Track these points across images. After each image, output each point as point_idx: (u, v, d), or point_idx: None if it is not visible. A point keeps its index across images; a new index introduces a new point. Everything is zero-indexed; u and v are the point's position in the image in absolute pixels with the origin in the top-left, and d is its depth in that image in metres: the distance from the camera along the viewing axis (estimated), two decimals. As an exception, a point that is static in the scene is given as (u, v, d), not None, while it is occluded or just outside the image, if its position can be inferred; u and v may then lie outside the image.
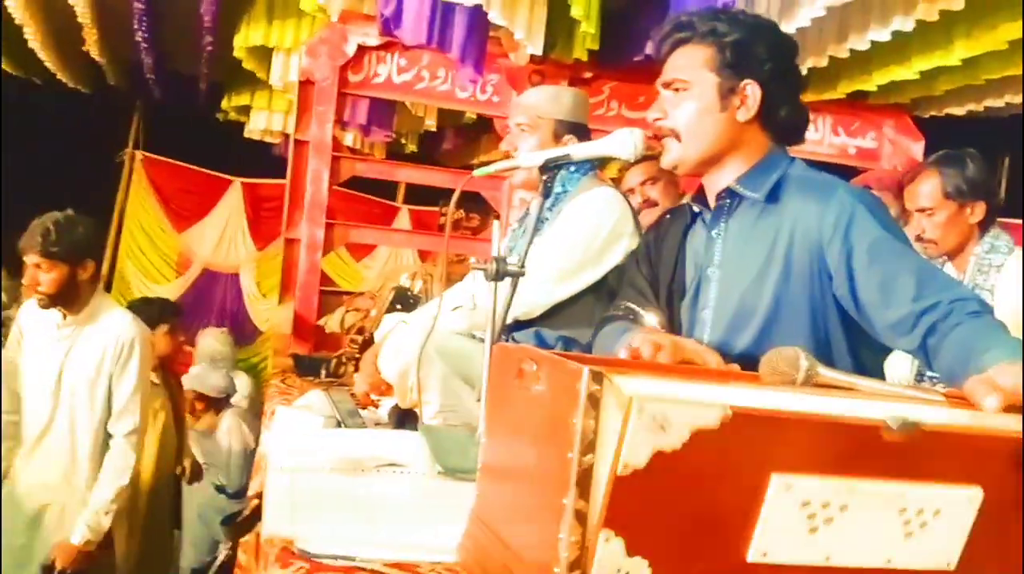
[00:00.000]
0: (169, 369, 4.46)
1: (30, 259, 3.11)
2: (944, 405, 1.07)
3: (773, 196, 1.63)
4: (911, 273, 1.47)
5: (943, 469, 0.97)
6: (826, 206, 1.57)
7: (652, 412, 0.89)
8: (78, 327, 3.21)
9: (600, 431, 0.94)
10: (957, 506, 0.97)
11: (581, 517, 0.94)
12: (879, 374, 1.74)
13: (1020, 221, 4.83)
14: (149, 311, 4.17)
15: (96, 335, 3.21)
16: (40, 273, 3.09)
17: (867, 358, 1.65)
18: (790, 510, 0.93)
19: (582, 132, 2.50)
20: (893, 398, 1.05)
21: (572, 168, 2.44)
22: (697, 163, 1.69)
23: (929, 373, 2.59)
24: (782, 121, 1.67)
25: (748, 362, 1.40)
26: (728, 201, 1.69)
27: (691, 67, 1.66)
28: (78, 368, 3.19)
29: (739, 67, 1.63)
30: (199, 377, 5.13)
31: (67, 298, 3.17)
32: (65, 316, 3.20)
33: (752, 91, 1.63)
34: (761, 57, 1.63)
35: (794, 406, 0.96)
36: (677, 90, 1.67)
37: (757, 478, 0.92)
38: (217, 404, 5.16)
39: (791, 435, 0.93)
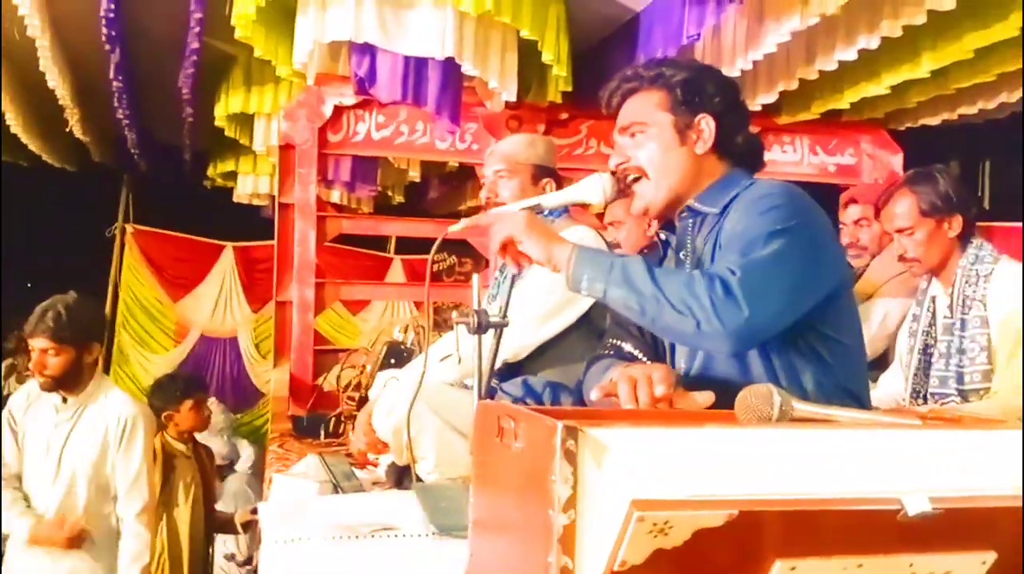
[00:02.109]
0: (198, 442, 4.47)
1: (38, 343, 3.09)
2: (922, 428, 1.06)
3: (725, 211, 1.67)
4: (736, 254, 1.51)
5: (955, 539, 0.95)
6: (741, 209, 1.62)
7: (654, 520, 0.86)
8: (79, 409, 3.19)
9: (579, 486, 0.94)
10: (967, 568, 0.96)
11: (567, 574, 0.93)
12: (865, 397, 1.73)
13: (1016, 225, 4.86)
14: (174, 387, 4.19)
15: (96, 415, 3.20)
16: (48, 357, 3.09)
17: (849, 380, 1.64)
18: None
19: (555, 176, 2.59)
20: (870, 426, 1.05)
21: (546, 212, 2.48)
22: (665, 203, 1.73)
23: (930, 390, 2.59)
24: (738, 149, 1.74)
25: (727, 386, 1.41)
26: (690, 221, 1.73)
27: (646, 111, 1.73)
28: (81, 450, 3.17)
29: (691, 104, 1.70)
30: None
31: (71, 381, 3.16)
32: (65, 399, 3.19)
33: (707, 124, 1.70)
34: (710, 92, 1.72)
35: (776, 447, 0.94)
36: (634, 134, 1.74)
37: (760, 565, 0.90)
38: (221, 471, 5.16)
39: (799, 525, 0.90)
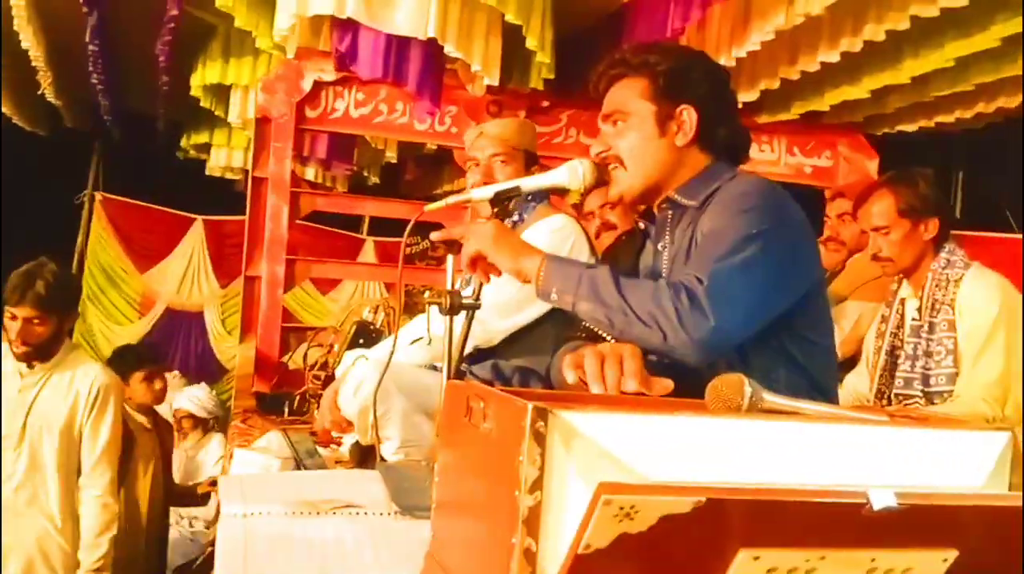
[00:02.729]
0: (158, 415, 4.42)
1: (23, 312, 3.00)
2: (889, 425, 1.06)
3: (705, 205, 1.65)
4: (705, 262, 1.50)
5: (917, 535, 0.94)
6: (718, 207, 1.61)
7: (621, 503, 0.84)
8: (45, 375, 3.12)
9: (547, 468, 0.93)
10: (928, 565, 0.95)
11: (530, 556, 0.92)
12: (834, 391, 1.74)
13: (978, 234, 4.92)
14: (127, 357, 4.15)
15: (64, 383, 3.13)
16: (34, 326, 3.01)
17: (821, 375, 1.65)
18: (755, 576, 0.90)
19: (539, 164, 2.59)
20: (837, 420, 1.05)
21: (529, 197, 2.48)
22: (641, 191, 1.72)
23: (895, 390, 2.61)
24: (721, 141, 1.71)
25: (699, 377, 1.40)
26: (670, 212, 1.72)
27: (628, 99, 1.70)
28: (48, 417, 3.10)
29: (673, 94, 1.67)
30: (198, 398, 5.21)
31: (47, 350, 3.10)
32: (31, 365, 3.11)
33: (688, 115, 1.67)
34: (694, 82, 1.68)
35: (744, 437, 0.94)
36: (616, 123, 1.72)
37: (725, 553, 0.89)
38: (204, 425, 5.21)
39: (764, 515, 0.89)
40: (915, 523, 0.93)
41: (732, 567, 0.89)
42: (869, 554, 0.93)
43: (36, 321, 3.01)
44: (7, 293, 3.04)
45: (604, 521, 0.85)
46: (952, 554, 0.95)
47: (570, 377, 1.42)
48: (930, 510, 0.94)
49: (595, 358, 1.40)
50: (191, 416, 5.28)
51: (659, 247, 1.73)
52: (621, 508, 0.84)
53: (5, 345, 3.11)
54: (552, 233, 2.42)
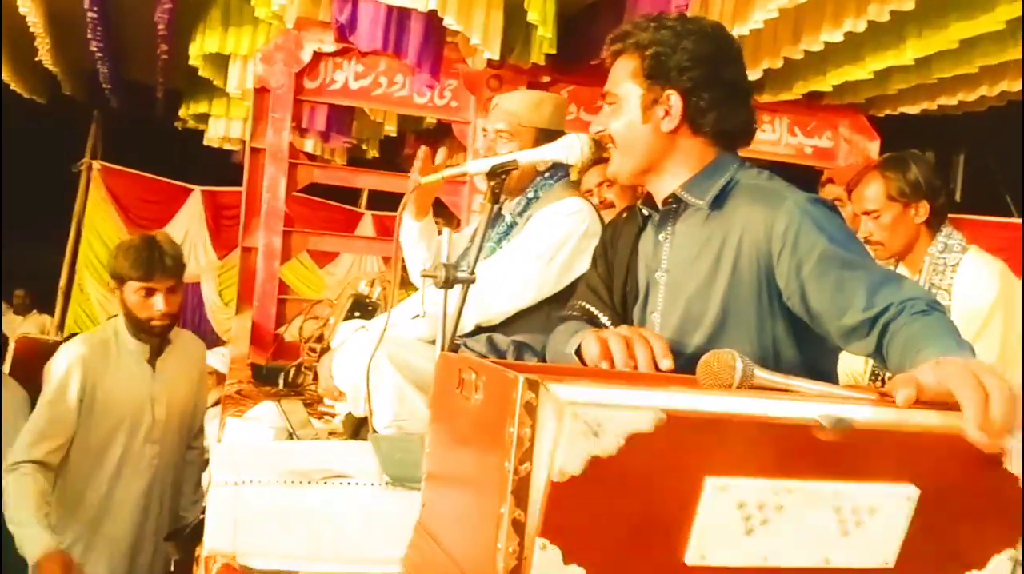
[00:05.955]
0: None
1: (162, 283, 2.89)
2: (876, 403, 1.06)
3: (719, 202, 1.62)
4: (861, 281, 1.46)
5: (878, 467, 0.97)
6: (775, 216, 1.55)
7: (585, 417, 0.88)
8: (166, 356, 3.05)
9: (537, 440, 0.93)
10: (892, 504, 0.97)
11: (518, 526, 0.92)
12: (833, 374, 1.74)
13: (979, 218, 4.92)
14: None
15: (179, 355, 3.11)
16: (173, 295, 2.93)
17: (819, 359, 1.66)
18: (726, 512, 0.93)
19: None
20: (826, 398, 1.05)
21: (547, 174, 2.44)
22: (632, 174, 1.69)
23: (888, 373, 2.61)
24: (712, 129, 1.64)
25: (694, 368, 1.40)
26: (674, 206, 1.68)
27: (620, 79, 1.66)
28: (176, 388, 3.07)
29: (659, 77, 1.61)
30: (224, 357, 5.28)
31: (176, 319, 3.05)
32: (150, 345, 3.00)
33: (675, 101, 1.61)
34: (683, 66, 1.60)
35: (729, 408, 0.95)
36: (610, 103, 1.68)
37: (693, 481, 0.92)
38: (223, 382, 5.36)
39: (725, 437, 0.92)
40: (871, 452, 0.97)
41: (702, 500, 0.92)
42: (833, 487, 0.96)
43: (174, 289, 2.93)
44: (131, 270, 2.87)
45: (573, 439, 0.88)
46: (913, 491, 0.97)
47: (604, 366, 1.42)
48: (882, 435, 0.97)
49: (621, 340, 1.40)
50: (215, 373, 5.28)
51: (660, 238, 1.71)
52: (587, 423, 0.88)
53: (124, 333, 2.99)
54: (567, 216, 2.35)
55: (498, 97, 2.59)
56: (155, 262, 2.88)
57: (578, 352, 1.55)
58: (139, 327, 2.95)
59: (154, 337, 2.98)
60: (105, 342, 2.99)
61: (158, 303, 2.90)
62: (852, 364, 2.77)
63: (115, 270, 2.94)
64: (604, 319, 1.78)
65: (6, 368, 5.63)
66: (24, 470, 2.74)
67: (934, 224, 2.60)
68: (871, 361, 2.66)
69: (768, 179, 1.67)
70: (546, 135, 2.39)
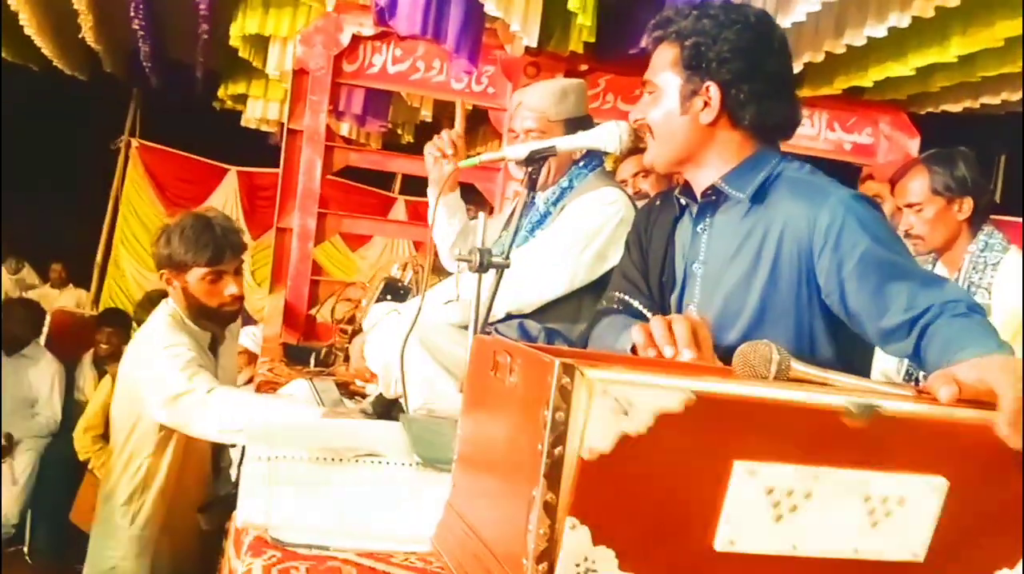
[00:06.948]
0: None
1: (230, 265, 2.64)
2: (912, 399, 1.06)
3: (759, 196, 1.61)
4: (903, 282, 1.45)
5: (907, 458, 0.96)
6: (817, 213, 1.54)
7: (615, 394, 0.89)
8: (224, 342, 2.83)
9: (571, 423, 0.93)
10: (921, 496, 0.97)
11: (550, 509, 0.93)
12: (868, 372, 1.73)
13: (1018, 219, 4.85)
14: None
15: (230, 341, 2.92)
16: (240, 277, 2.69)
17: (856, 357, 1.65)
18: (755, 497, 0.93)
19: (587, 124, 2.41)
20: (864, 392, 1.04)
21: (581, 163, 2.43)
22: (669, 164, 1.69)
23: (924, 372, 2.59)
24: (752, 122, 1.62)
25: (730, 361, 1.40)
26: (713, 198, 1.67)
27: (660, 68, 1.65)
28: (226, 378, 2.78)
29: (699, 68, 1.59)
30: (256, 337, 5.33)
31: None
32: (213, 333, 2.76)
33: (714, 93, 1.60)
34: (723, 57, 1.58)
35: (758, 393, 0.96)
36: (650, 92, 1.67)
37: (721, 465, 0.92)
38: (255, 362, 5.41)
39: (754, 420, 0.93)
40: (900, 441, 0.97)
41: (731, 484, 0.93)
42: (862, 475, 0.96)
43: (239, 269, 2.70)
44: (197, 256, 2.60)
45: (603, 417, 0.89)
46: (942, 482, 0.97)
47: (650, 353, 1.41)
48: (910, 424, 0.97)
49: (663, 323, 1.41)
50: (246, 352, 5.29)
51: (698, 229, 1.70)
52: (617, 401, 0.89)
53: (187, 323, 2.70)
54: (605, 206, 2.33)
55: (519, 94, 2.56)
56: (221, 243, 2.61)
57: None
58: (205, 315, 2.67)
59: (223, 324, 2.75)
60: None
61: (229, 287, 2.64)
62: (884, 364, 2.75)
63: (171, 257, 2.62)
64: (643, 309, 1.77)
65: (42, 340, 5.72)
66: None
67: (976, 222, 2.58)
68: (906, 361, 2.64)
69: (810, 173, 1.65)
70: (576, 123, 2.39)
